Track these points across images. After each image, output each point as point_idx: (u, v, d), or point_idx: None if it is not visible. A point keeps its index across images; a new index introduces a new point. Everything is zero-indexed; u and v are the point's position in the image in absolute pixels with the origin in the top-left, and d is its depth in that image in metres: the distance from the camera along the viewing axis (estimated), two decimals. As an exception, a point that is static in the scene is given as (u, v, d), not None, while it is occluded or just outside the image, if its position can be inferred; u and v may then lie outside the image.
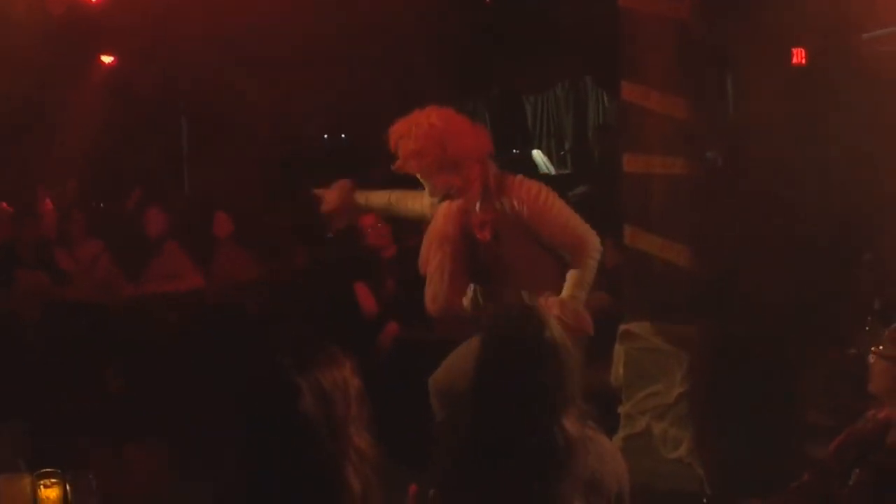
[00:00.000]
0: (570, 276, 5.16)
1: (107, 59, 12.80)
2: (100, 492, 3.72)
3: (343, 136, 14.19)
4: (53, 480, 3.70)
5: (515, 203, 5.19)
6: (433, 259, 5.36)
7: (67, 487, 3.70)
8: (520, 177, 5.30)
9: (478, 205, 5.23)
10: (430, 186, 5.25)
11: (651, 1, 6.17)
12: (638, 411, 6.20)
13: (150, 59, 11.14)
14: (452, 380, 5.11)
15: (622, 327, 6.25)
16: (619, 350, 6.29)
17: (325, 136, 14.29)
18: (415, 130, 5.14)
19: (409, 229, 7.69)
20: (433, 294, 5.37)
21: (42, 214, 10.39)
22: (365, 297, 7.43)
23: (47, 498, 3.69)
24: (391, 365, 6.90)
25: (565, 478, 2.96)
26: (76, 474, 3.74)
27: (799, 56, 8.59)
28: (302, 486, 2.68)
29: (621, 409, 6.26)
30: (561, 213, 5.25)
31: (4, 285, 9.28)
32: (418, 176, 5.24)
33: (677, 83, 6.17)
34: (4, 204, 10.22)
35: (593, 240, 5.21)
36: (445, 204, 5.32)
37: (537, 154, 14.66)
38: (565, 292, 5.14)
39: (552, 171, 14.42)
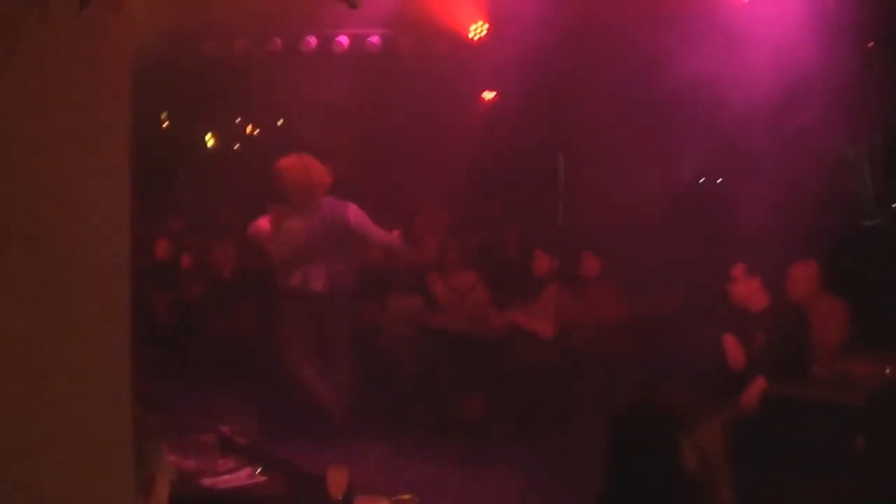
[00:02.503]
0: None
1: (488, 94, 13.10)
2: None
3: (719, 180, 13.88)
4: (406, 507, 3.70)
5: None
6: None
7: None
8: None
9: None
10: (296, 200, 8.67)
11: None
12: None
13: (530, 97, 11.28)
14: None
15: None
16: None
17: (702, 180, 14.02)
18: (296, 165, 8.66)
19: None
20: None
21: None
22: (734, 349, 7.20)
23: (398, 522, 3.67)
24: (756, 421, 6.65)
25: None
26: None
27: None
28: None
29: None
30: None
31: (378, 305, 9.65)
32: (290, 193, 8.69)
33: None
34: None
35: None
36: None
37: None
38: None
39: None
